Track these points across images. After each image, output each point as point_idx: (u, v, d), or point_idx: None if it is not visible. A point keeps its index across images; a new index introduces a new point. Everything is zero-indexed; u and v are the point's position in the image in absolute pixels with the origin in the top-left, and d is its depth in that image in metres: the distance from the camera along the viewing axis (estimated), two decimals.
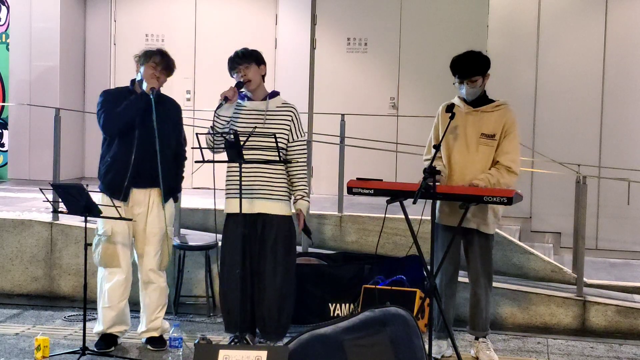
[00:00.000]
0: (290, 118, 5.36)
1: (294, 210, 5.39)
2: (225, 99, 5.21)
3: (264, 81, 5.44)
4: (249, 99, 5.39)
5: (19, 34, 9.72)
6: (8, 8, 9.94)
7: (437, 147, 5.08)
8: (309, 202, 5.43)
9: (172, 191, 5.53)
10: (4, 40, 10.07)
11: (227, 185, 5.38)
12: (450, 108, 5.19)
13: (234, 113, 5.34)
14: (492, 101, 5.39)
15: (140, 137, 5.28)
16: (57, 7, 9.59)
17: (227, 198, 5.38)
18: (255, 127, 5.27)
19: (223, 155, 5.16)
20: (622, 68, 8.71)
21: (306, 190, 5.40)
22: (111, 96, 5.40)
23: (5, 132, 10.10)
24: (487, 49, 8.68)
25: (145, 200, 5.38)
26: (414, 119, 8.72)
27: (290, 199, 5.39)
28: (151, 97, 5.26)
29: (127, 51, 9.88)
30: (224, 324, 5.47)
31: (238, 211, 5.17)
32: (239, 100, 5.41)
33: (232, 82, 5.41)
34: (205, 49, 9.72)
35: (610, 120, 8.73)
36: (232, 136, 5.07)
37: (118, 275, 5.38)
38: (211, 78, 9.67)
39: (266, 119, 5.30)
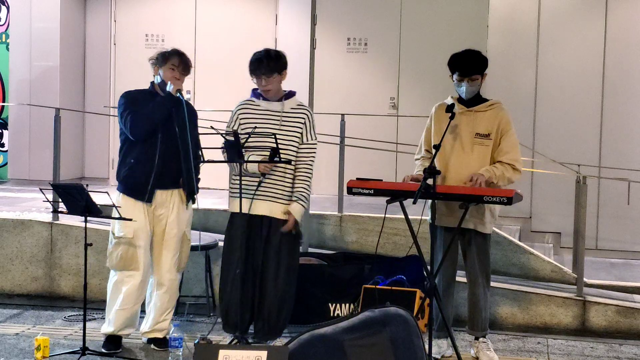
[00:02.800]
0: (303, 120, 5.37)
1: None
2: (263, 174, 5.18)
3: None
4: (264, 98, 5.38)
5: (19, 34, 9.72)
6: (8, 8, 9.94)
7: (437, 147, 5.07)
8: (304, 206, 5.39)
9: (192, 193, 5.53)
10: (4, 40, 10.07)
11: (232, 184, 5.36)
12: (450, 108, 5.20)
13: (248, 112, 5.33)
14: (485, 100, 5.39)
15: (163, 138, 5.29)
16: (57, 7, 9.58)
17: (231, 197, 5.38)
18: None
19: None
20: (622, 68, 8.70)
21: (305, 194, 5.38)
22: (134, 98, 5.38)
23: (5, 132, 10.10)
24: (487, 49, 8.67)
25: (167, 202, 5.38)
26: (414, 119, 8.71)
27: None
28: (181, 98, 5.28)
29: (127, 51, 9.88)
30: (221, 322, 5.48)
31: (245, 211, 5.20)
32: (253, 98, 5.41)
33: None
34: (205, 49, 9.72)
35: (610, 120, 8.72)
36: (232, 136, 5.08)
37: (136, 278, 5.36)
38: (211, 78, 9.67)
39: (282, 122, 5.30)
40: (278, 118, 5.31)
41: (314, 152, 5.43)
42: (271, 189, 5.29)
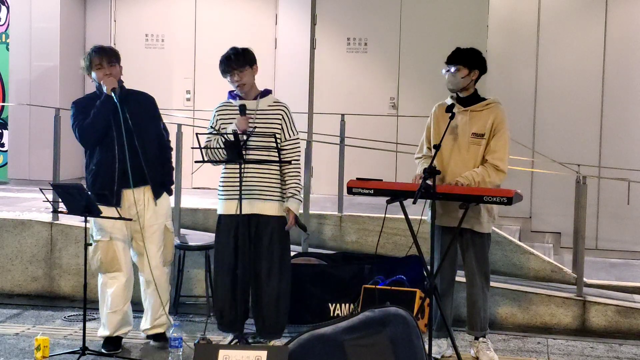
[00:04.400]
0: (281, 116, 5.37)
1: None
2: (244, 132, 5.19)
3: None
4: (241, 98, 5.39)
5: (19, 34, 9.71)
6: (8, 8, 9.94)
7: (437, 147, 5.07)
8: (300, 200, 5.44)
9: (163, 185, 5.52)
10: (4, 40, 10.06)
11: (221, 186, 5.38)
12: (450, 108, 5.20)
13: (226, 113, 5.37)
14: (482, 100, 5.39)
15: (118, 138, 5.25)
16: (57, 7, 9.57)
17: (221, 199, 5.39)
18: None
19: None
20: (622, 68, 8.70)
21: (298, 189, 5.40)
22: (81, 107, 5.37)
23: (5, 132, 10.10)
24: (487, 49, 8.67)
25: (139, 199, 5.36)
26: (414, 119, 8.72)
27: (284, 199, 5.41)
28: (114, 97, 5.22)
29: (127, 51, 9.81)
30: (217, 322, 5.51)
31: (232, 212, 5.21)
32: (230, 100, 5.43)
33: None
34: (205, 49, 9.72)
35: (610, 120, 8.73)
36: (231, 136, 5.08)
37: (119, 279, 5.37)
38: (211, 78, 9.62)
39: (255, 119, 5.30)
40: (252, 116, 5.32)
41: (298, 147, 5.44)
42: (258, 187, 5.29)
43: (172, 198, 6.82)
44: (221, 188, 5.38)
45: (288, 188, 5.37)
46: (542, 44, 8.81)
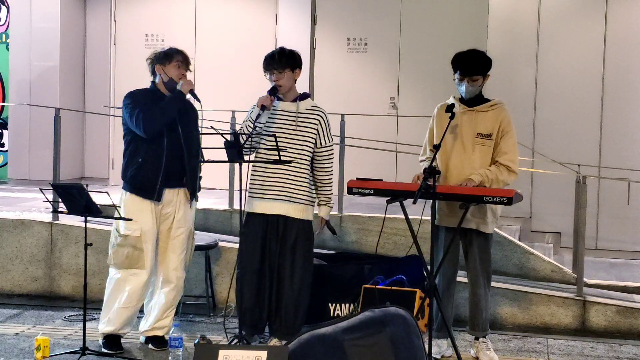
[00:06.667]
0: (318, 122, 5.40)
1: (316, 212, 5.48)
2: (263, 107, 5.22)
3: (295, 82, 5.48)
4: (279, 99, 5.41)
5: (19, 34, 9.72)
6: (8, 8, 9.94)
7: (437, 147, 5.08)
8: (331, 207, 5.54)
9: (195, 191, 5.57)
10: (4, 40, 10.07)
11: (251, 185, 5.42)
12: (450, 108, 5.20)
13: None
14: (487, 100, 5.39)
15: (169, 137, 5.32)
16: (57, 7, 9.58)
17: (249, 197, 5.43)
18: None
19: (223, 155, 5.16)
20: (622, 68, 8.70)
21: (329, 196, 5.50)
22: (140, 97, 5.40)
23: (5, 132, 10.10)
24: (487, 49, 8.67)
25: (174, 200, 5.41)
26: (414, 119, 8.72)
27: (313, 203, 5.45)
28: (195, 97, 5.36)
29: (127, 51, 9.88)
30: (238, 321, 5.52)
31: (258, 211, 5.29)
32: None
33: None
34: (205, 49, 9.72)
35: (610, 120, 8.73)
36: (232, 136, 5.09)
37: (141, 276, 5.37)
38: (211, 78, 9.67)
39: (298, 122, 5.32)
40: (293, 119, 5.34)
41: (332, 154, 5.50)
42: (287, 189, 5.31)
43: None
44: (251, 187, 5.40)
45: (320, 194, 5.48)
46: (542, 44, 8.81)
